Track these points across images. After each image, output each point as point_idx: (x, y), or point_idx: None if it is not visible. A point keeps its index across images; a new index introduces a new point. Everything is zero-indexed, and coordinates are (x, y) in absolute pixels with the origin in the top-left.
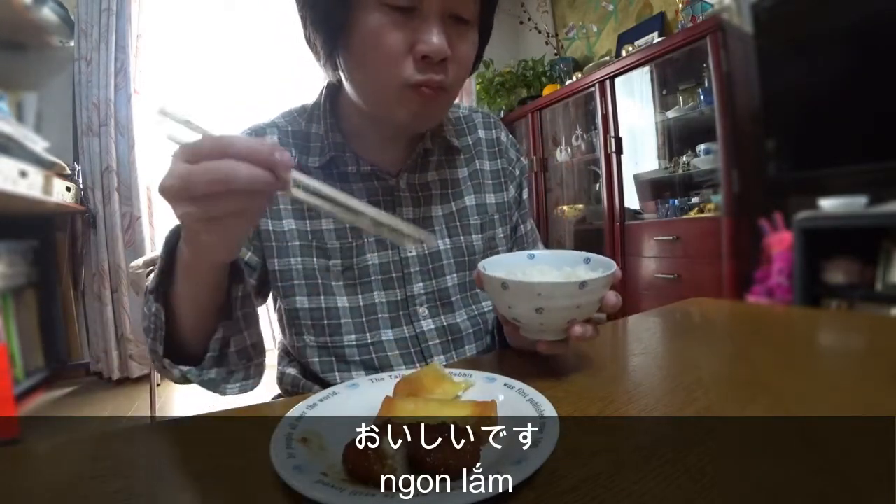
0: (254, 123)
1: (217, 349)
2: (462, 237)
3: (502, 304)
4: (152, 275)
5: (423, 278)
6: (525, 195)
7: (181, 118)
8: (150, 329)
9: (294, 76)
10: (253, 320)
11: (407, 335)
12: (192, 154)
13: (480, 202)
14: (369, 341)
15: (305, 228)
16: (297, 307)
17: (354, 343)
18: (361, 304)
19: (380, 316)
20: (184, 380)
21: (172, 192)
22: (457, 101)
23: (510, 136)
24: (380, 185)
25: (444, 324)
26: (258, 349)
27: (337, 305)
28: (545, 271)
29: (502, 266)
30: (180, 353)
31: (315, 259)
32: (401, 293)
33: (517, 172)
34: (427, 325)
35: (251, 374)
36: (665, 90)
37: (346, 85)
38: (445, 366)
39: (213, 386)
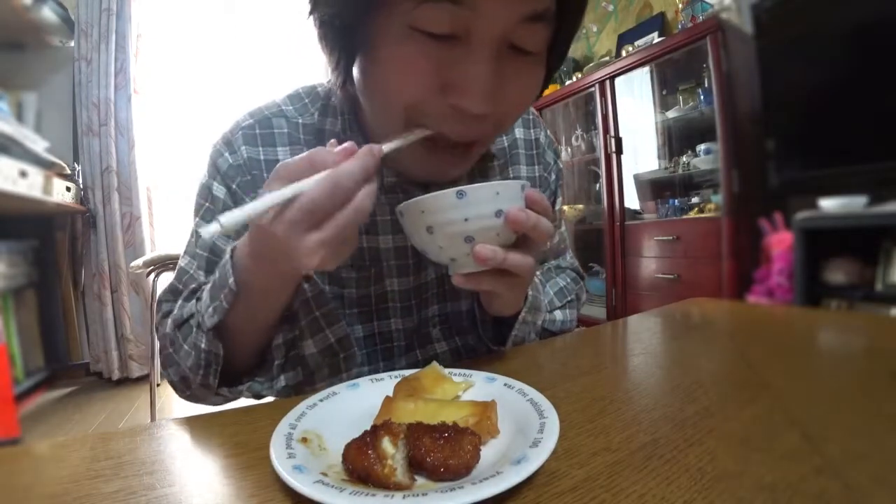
0: (255, 108)
1: (282, 355)
2: None
3: (409, 234)
4: (205, 310)
5: (438, 300)
6: (559, 205)
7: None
8: (199, 366)
9: (294, 78)
10: (333, 317)
11: (420, 359)
12: (316, 215)
13: None
14: (383, 370)
15: None
16: None
17: (367, 374)
18: (377, 331)
19: (395, 344)
20: (253, 396)
21: (326, 258)
22: None
23: (549, 135)
24: (405, 199)
25: (458, 344)
26: (345, 343)
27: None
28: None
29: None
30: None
31: (327, 287)
32: (417, 318)
33: (552, 178)
34: (440, 347)
35: (342, 367)
36: (665, 90)
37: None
38: (447, 366)
39: (292, 392)
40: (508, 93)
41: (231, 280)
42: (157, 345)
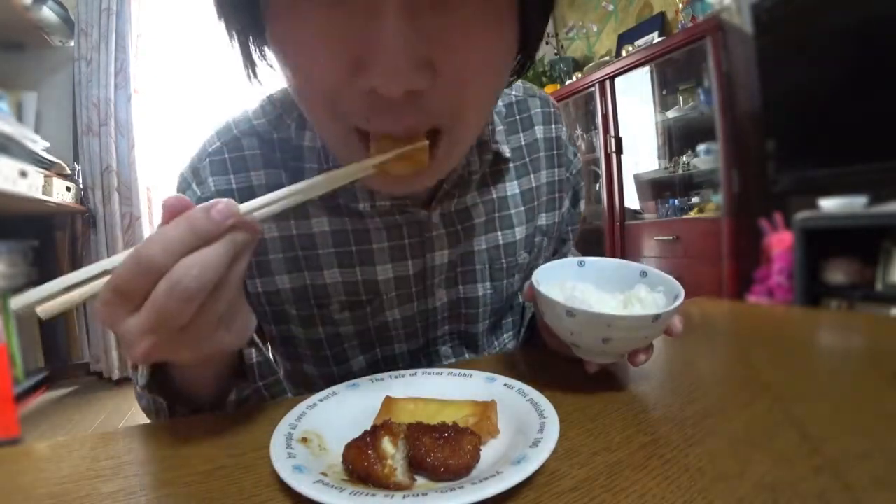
0: (223, 125)
1: (233, 408)
2: (505, 281)
3: (562, 329)
4: (139, 374)
5: (451, 322)
6: (582, 206)
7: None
8: (151, 410)
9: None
10: (278, 389)
11: None
12: (127, 299)
13: (530, 231)
14: None
15: (304, 283)
16: (306, 371)
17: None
18: (380, 356)
19: (400, 365)
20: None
21: (152, 350)
22: None
23: (566, 129)
24: (405, 222)
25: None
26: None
27: (353, 370)
28: (605, 299)
29: (554, 278)
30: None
31: (322, 328)
32: (423, 339)
33: (573, 173)
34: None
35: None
36: (665, 90)
37: None
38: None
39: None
40: (452, 51)
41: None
42: None
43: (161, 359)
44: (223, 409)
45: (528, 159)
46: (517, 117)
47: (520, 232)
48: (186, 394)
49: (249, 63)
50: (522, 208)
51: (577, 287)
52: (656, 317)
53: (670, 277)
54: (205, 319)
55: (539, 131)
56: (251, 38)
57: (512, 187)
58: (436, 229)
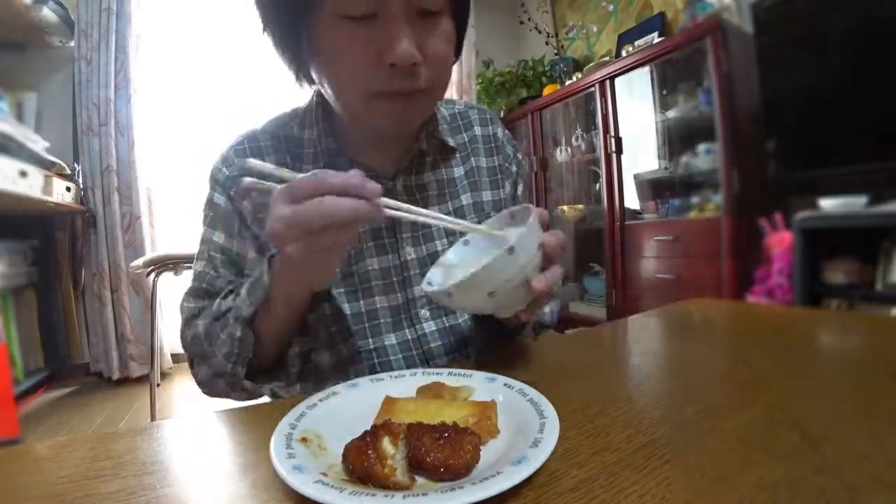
0: (246, 130)
1: (298, 364)
2: (459, 237)
3: (456, 305)
4: (243, 303)
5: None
6: (520, 191)
7: (266, 171)
8: (232, 353)
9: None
10: (346, 334)
11: (409, 337)
12: (292, 196)
13: (477, 200)
14: (372, 347)
15: None
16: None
17: (358, 349)
18: (363, 309)
19: (382, 321)
20: (272, 397)
21: (283, 233)
22: (454, 97)
23: (506, 132)
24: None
25: (446, 325)
26: (355, 358)
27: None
28: (482, 261)
29: (441, 268)
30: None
31: None
32: (402, 296)
33: (514, 169)
34: (429, 326)
35: (351, 378)
36: (665, 90)
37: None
38: (447, 365)
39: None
40: (430, 45)
41: (266, 279)
42: (158, 345)
43: (296, 265)
44: (285, 370)
45: (469, 150)
46: (460, 122)
47: (465, 199)
48: (260, 343)
49: (301, 66)
50: (466, 182)
51: (455, 266)
52: (511, 249)
53: (531, 206)
54: (331, 254)
55: (477, 130)
56: (299, 67)
57: (458, 171)
58: (400, 196)
